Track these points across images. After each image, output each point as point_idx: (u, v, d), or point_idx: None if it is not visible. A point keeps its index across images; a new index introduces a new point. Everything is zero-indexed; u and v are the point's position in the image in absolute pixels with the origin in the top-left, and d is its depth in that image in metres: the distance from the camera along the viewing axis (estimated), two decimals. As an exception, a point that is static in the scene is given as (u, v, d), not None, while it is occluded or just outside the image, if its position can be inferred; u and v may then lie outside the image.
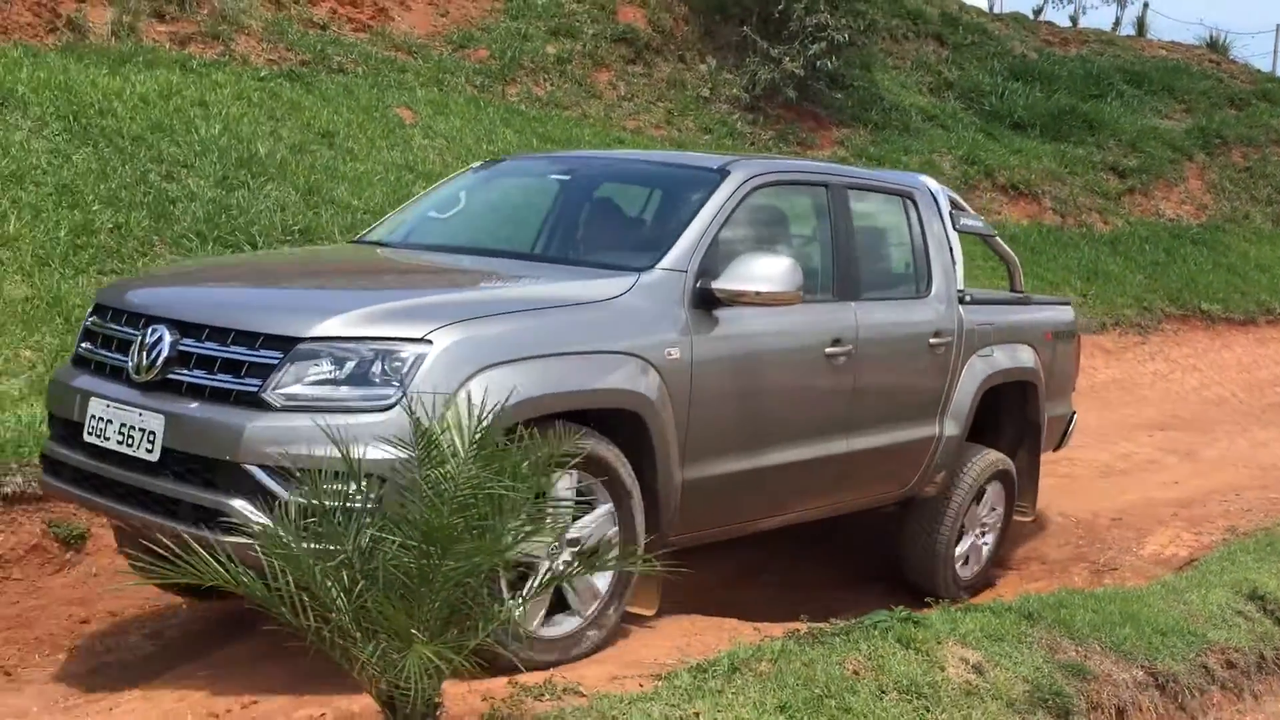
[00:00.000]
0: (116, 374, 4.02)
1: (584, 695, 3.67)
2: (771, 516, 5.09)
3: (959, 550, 6.05)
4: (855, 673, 3.92)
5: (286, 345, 3.65)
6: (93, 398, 3.99)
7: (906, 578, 6.01)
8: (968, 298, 5.95)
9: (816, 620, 4.68)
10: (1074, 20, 23.77)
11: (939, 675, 4.01)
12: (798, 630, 4.39)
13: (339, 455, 3.05)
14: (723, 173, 4.90)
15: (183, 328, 3.86)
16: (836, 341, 5.04)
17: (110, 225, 7.44)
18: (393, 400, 3.57)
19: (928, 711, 3.82)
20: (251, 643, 4.31)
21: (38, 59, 9.25)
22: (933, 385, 5.70)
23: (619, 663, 4.06)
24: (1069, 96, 18.49)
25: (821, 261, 5.35)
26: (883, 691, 3.85)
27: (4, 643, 4.71)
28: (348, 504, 2.95)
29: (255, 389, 3.64)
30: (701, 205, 4.71)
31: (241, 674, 4.08)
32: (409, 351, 3.65)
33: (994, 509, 6.28)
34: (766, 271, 4.43)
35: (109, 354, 4.11)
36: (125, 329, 4.07)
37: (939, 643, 4.21)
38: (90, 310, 4.41)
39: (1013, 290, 6.97)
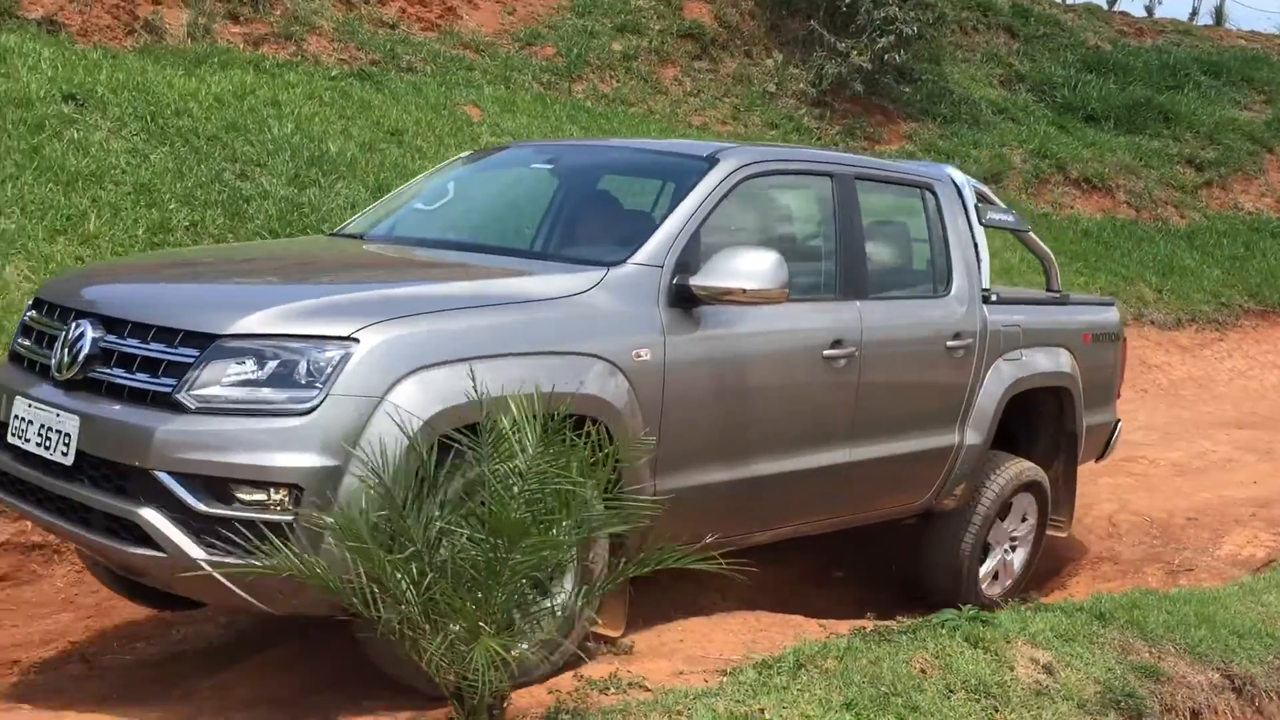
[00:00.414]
0: (44, 372, 3.79)
1: (649, 690, 3.68)
2: (764, 530, 4.73)
3: (985, 568, 5.73)
4: (922, 671, 3.88)
5: (204, 343, 3.40)
6: (18, 397, 3.76)
7: (929, 595, 5.61)
8: (994, 297, 5.59)
9: (883, 619, 4.65)
10: (1149, 10, 23.27)
11: (1008, 675, 3.96)
12: (864, 628, 4.36)
13: (253, 463, 2.96)
14: (711, 161, 4.58)
15: (107, 323, 3.63)
16: (837, 343, 4.72)
17: (186, 223, 7.59)
18: (315, 403, 3.31)
19: (996, 711, 3.78)
20: (320, 640, 4.38)
21: (116, 61, 9.47)
22: (951, 390, 5.37)
23: (684, 658, 4.07)
24: (1144, 88, 18.11)
25: (823, 257, 5.02)
26: (950, 690, 3.81)
27: (84, 631, 4.84)
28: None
29: (169, 389, 3.39)
30: (685, 196, 4.41)
31: (312, 669, 4.15)
32: (333, 351, 3.37)
33: (1025, 521, 5.94)
34: (750, 268, 4.10)
35: (39, 350, 3.88)
36: (55, 324, 3.83)
37: (1008, 642, 4.16)
38: (29, 304, 4.16)
39: (1049, 290, 6.54)
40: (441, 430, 3.34)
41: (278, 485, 3.20)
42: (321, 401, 3.30)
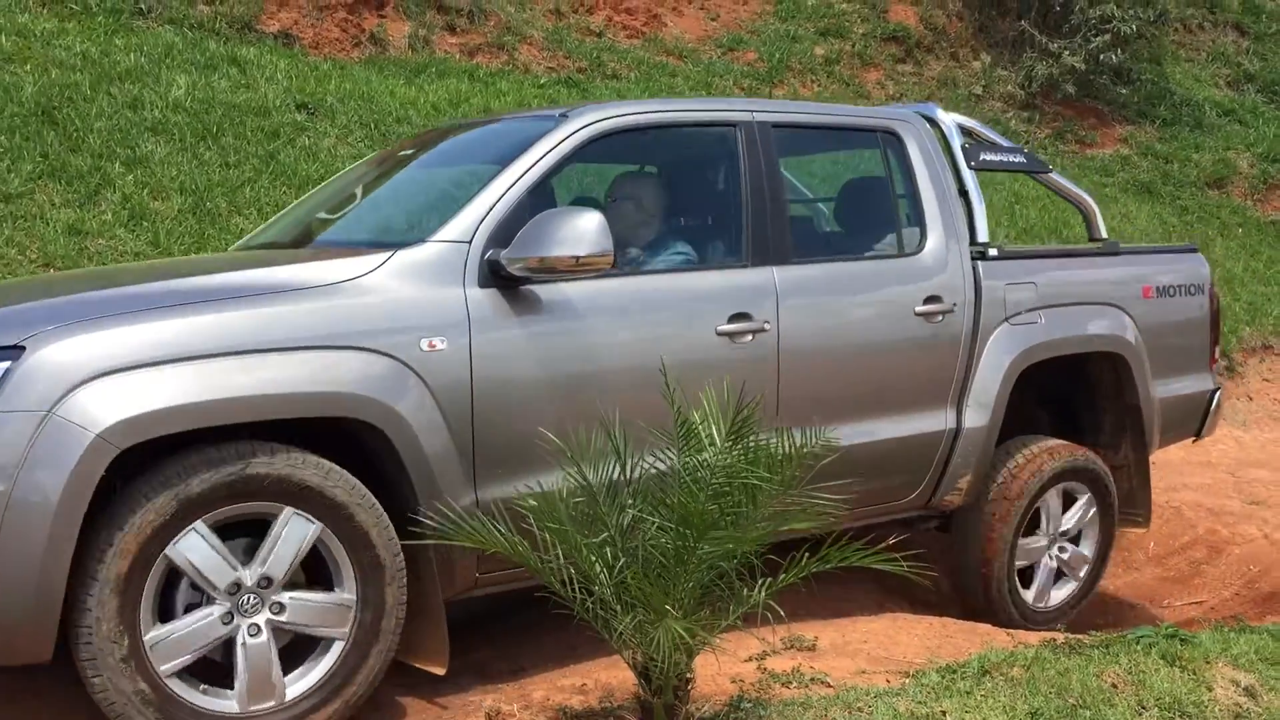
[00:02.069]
0: None
1: (831, 686, 3.75)
2: None
3: (1037, 583, 5.04)
4: (1114, 686, 3.81)
5: None
6: None
7: (967, 607, 5.04)
8: (993, 252, 4.85)
9: (1076, 633, 4.57)
10: (1399, 3, 21.60)
11: (1205, 695, 3.84)
12: (1054, 640, 4.30)
13: None
14: (558, 120, 4.05)
15: None
16: (739, 317, 4.11)
17: (404, 224, 8.05)
18: None
19: (1192, 732, 3.68)
20: (519, 620, 4.62)
21: (344, 71, 10.09)
22: (930, 365, 4.61)
23: (866, 658, 4.11)
24: (1389, 87, 16.86)
25: (722, 221, 4.46)
26: (1143, 707, 3.73)
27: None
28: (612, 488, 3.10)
29: None
30: (512, 161, 3.89)
31: (513, 647, 4.38)
32: None
33: (1082, 515, 5.14)
34: (562, 233, 3.56)
35: None
36: None
37: (1207, 662, 4.03)
38: None
39: (1091, 239, 5.65)
40: (139, 438, 3.08)
41: None
42: None
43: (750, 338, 4.13)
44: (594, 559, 2.99)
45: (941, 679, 3.76)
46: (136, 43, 9.16)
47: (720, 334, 4.08)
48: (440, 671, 3.58)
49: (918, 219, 4.74)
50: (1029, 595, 5.05)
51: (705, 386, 3.71)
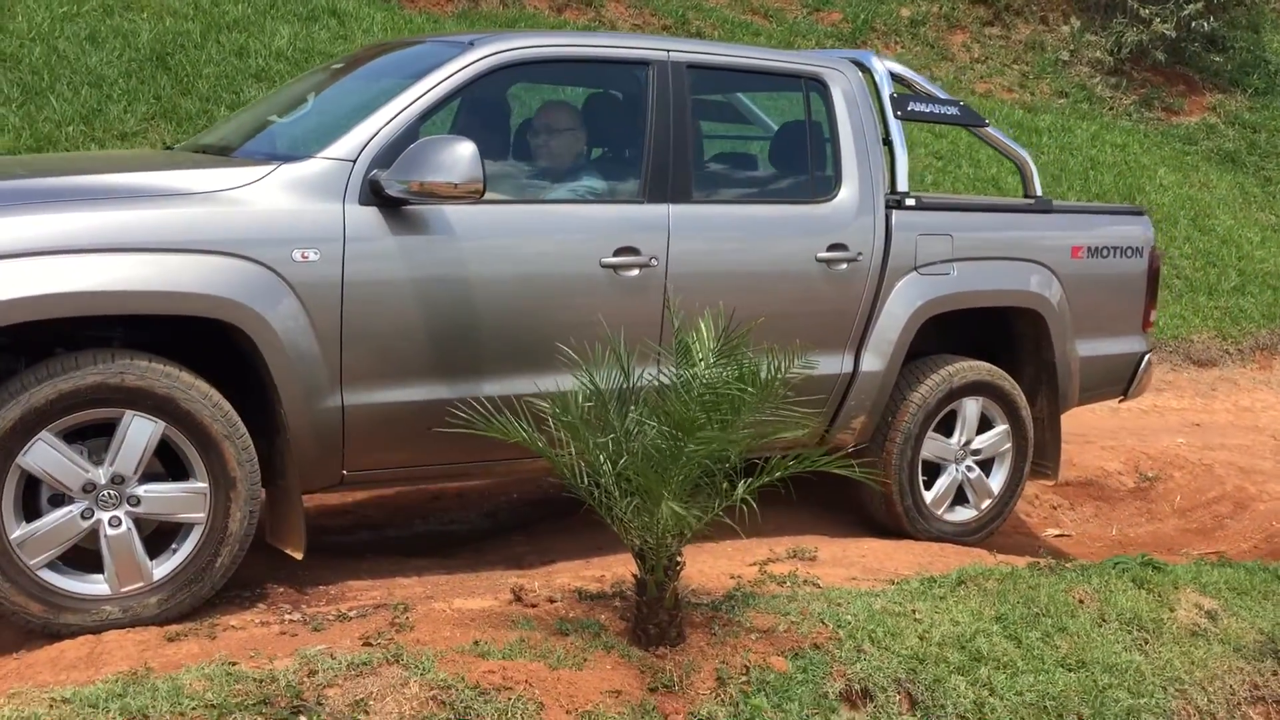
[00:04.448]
0: None
1: (819, 587, 4.19)
2: (523, 459, 4.14)
3: (934, 492, 5.08)
4: (1080, 601, 4.19)
5: None
6: None
7: (877, 524, 5.14)
8: (909, 202, 4.91)
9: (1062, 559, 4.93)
10: None
11: (1166, 614, 4.19)
12: (1036, 562, 4.68)
13: None
14: (464, 47, 4.16)
15: None
16: (626, 250, 4.22)
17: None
18: None
19: (1146, 644, 4.04)
20: (555, 523, 5.14)
21: (437, 25, 10.61)
22: (830, 310, 4.70)
23: (860, 569, 4.54)
24: None
25: (620, 157, 4.57)
26: (1104, 620, 4.10)
27: (376, 507, 5.80)
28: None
29: None
30: (409, 85, 4.03)
31: (547, 543, 4.90)
32: None
33: (997, 444, 5.21)
34: (438, 159, 3.71)
35: None
36: None
37: (1175, 588, 4.37)
38: None
39: (1026, 195, 5.64)
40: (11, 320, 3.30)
41: None
42: None
43: (636, 271, 4.25)
44: (600, 455, 3.46)
45: (921, 585, 4.18)
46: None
47: (605, 265, 4.19)
48: (298, 555, 3.81)
49: (835, 166, 4.80)
50: (942, 509, 5.16)
51: (588, 315, 4.08)
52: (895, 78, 5.24)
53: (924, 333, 4.96)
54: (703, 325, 3.61)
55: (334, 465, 3.90)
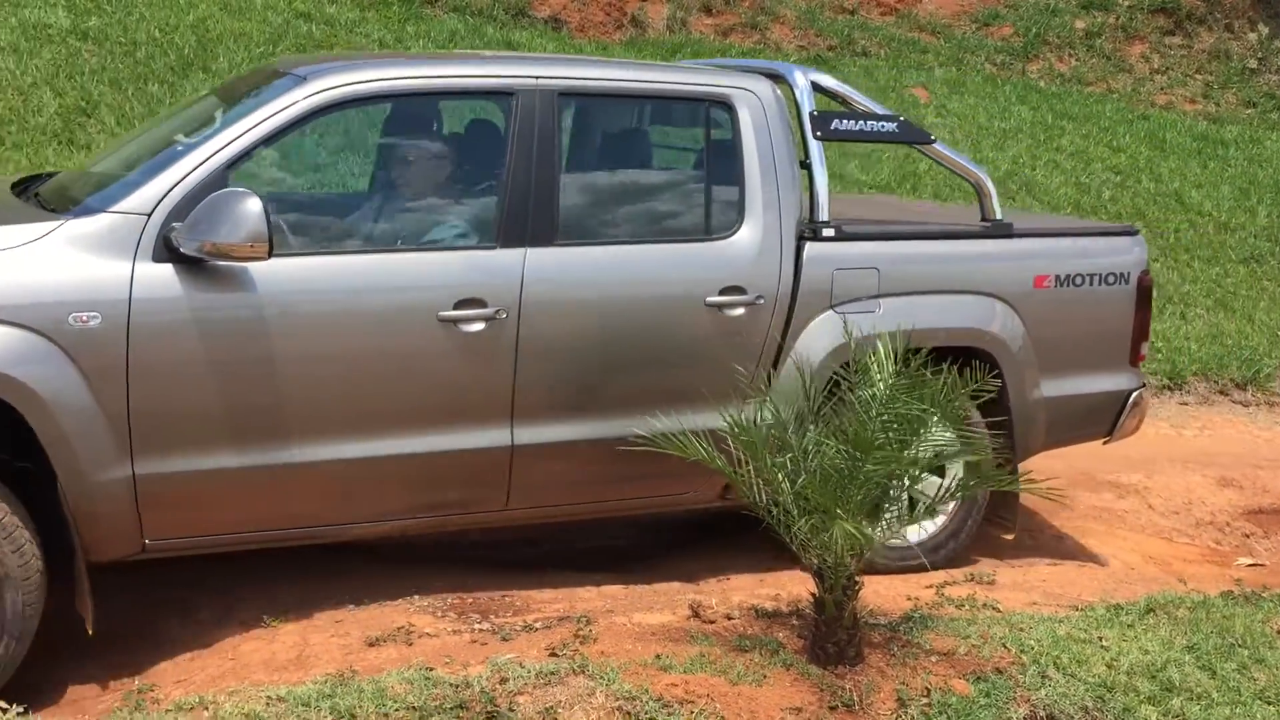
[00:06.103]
0: None
1: (999, 612, 4.13)
2: (369, 521, 3.96)
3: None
4: (1279, 632, 4.03)
5: None
6: None
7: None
8: (829, 232, 4.36)
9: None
10: None
11: (1375, 650, 3.99)
12: (1231, 592, 4.51)
13: None
14: (294, 82, 3.81)
15: None
16: (470, 303, 3.84)
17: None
18: None
19: (1353, 680, 3.85)
20: (727, 541, 5.19)
21: (606, 52, 10.88)
22: (724, 361, 4.13)
23: (1041, 594, 4.45)
24: None
25: (468, 198, 4.15)
26: (1306, 654, 3.93)
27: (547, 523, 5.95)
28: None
29: None
30: (221, 129, 3.69)
31: (720, 561, 4.96)
32: None
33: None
34: (221, 215, 3.42)
35: None
36: None
37: (1386, 621, 4.16)
38: None
39: (983, 218, 4.86)
40: None
41: None
42: None
43: (480, 325, 3.86)
44: (779, 475, 3.52)
45: (1107, 613, 4.08)
46: (425, 29, 10.25)
47: (443, 320, 3.83)
48: (88, 629, 3.50)
49: (739, 197, 4.30)
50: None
51: (419, 376, 3.80)
52: (828, 93, 4.74)
53: None
54: (880, 345, 3.63)
55: (131, 535, 3.62)
